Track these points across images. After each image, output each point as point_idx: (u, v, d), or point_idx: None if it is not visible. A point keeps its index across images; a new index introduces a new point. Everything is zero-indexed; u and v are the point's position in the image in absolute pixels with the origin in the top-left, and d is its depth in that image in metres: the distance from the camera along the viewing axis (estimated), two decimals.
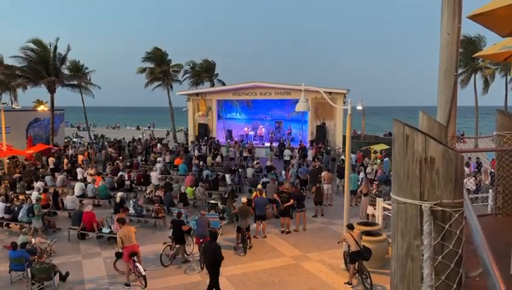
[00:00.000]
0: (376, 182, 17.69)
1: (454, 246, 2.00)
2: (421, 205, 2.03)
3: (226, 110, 36.52)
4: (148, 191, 17.43)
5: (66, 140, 38.22)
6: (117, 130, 69.90)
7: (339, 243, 11.30)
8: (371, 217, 14.29)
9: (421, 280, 2.03)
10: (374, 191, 14.93)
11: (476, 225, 2.11)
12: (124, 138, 39.57)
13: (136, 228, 14.46)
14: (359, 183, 17.33)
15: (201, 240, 11.43)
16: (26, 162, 24.56)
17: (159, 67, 42.35)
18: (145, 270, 10.29)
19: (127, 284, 10.22)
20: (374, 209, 14.24)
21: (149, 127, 71.27)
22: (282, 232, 14.24)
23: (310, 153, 26.64)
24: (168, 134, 43.21)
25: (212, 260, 9.26)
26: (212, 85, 43.61)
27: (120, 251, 10.64)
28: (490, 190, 12.38)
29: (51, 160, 24.70)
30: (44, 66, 29.60)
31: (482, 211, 12.32)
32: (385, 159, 22.94)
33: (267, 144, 31.82)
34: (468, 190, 15.16)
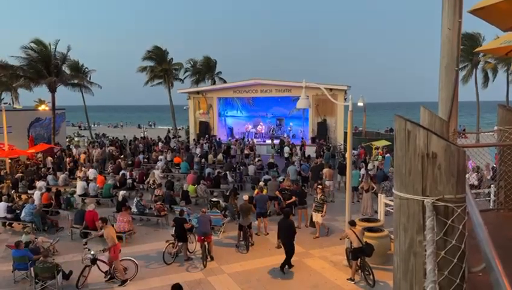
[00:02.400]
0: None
1: (457, 241, 2.00)
2: (423, 201, 2.03)
3: (226, 108, 36.53)
4: (151, 182, 17.92)
5: (67, 139, 38.28)
6: (120, 128, 69.88)
7: (341, 239, 11.32)
8: (317, 225, 13.38)
9: (424, 276, 2.02)
10: (319, 196, 13.28)
11: (479, 220, 2.11)
12: (124, 136, 39.59)
13: (138, 227, 14.61)
14: (360, 179, 17.32)
15: (202, 238, 11.45)
16: (28, 162, 24.62)
17: (160, 66, 42.31)
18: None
19: (125, 281, 10.31)
20: (322, 216, 13.21)
21: (150, 126, 71.35)
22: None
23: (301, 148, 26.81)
24: (168, 132, 43.27)
25: (287, 235, 10.87)
26: (214, 83, 43.58)
27: (95, 255, 10.16)
28: (492, 185, 12.37)
29: (49, 159, 24.73)
30: (45, 65, 29.62)
31: (484, 206, 12.33)
32: (386, 155, 22.94)
33: (268, 141, 31.84)
34: (471, 185, 15.12)
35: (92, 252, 10.29)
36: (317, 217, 13.35)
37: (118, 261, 10.34)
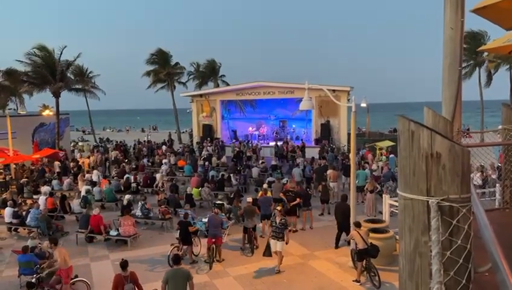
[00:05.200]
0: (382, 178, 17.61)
1: (463, 241, 1.99)
2: (428, 201, 2.02)
3: (230, 110, 36.57)
4: (160, 184, 18.13)
5: (72, 144, 38.40)
6: (125, 133, 69.87)
7: (346, 241, 11.29)
8: (279, 254, 11.01)
9: (429, 276, 2.02)
10: (279, 220, 11.01)
11: (484, 220, 2.10)
12: (124, 140, 39.63)
13: (143, 230, 14.62)
14: (365, 179, 17.29)
15: (213, 240, 11.43)
16: (33, 167, 24.71)
17: (164, 69, 42.42)
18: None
19: None
20: (286, 243, 11.01)
21: (154, 129, 71.43)
22: (289, 231, 14.20)
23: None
24: (170, 135, 43.48)
25: (345, 216, 12.11)
26: (217, 86, 43.66)
27: (39, 279, 9.22)
28: (497, 184, 12.31)
29: (57, 164, 24.85)
30: (50, 71, 29.77)
31: (489, 205, 12.27)
32: (391, 156, 22.88)
33: (272, 143, 31.84)
34: (474, 185, 15.01)
35: (36, 276, 9.15)
36: (276, 246, 10.99)
37: (68, 287, 9.57)
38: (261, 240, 13.37)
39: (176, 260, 8.36)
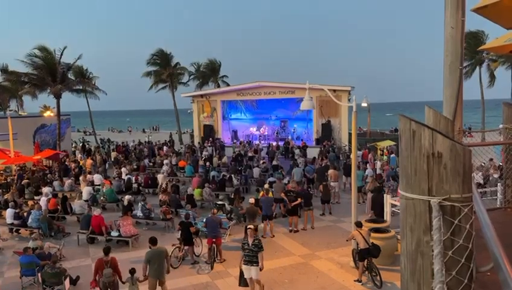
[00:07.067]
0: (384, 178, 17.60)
1: (465, 240, 1.98)
2: (429, 201, 2.02)
3: (230, 110, 36.59)
4: (164, 185, 18.33)
5: (73, 145, 38.46)
6: (127, 133, 69.85)
7: (347, 240, 11.29)
8: (252, 284, 9.29)
9: (431, 276, 2.01)
10: (251, 242, 9.04)
11: (486, 219, 2.10)
12: (126, 141, 39.69)
13: (145, 231, 14.63)
14: (363, 180, 17.29)
15: (213, 240, 11.42)
16: (34, 168, 24.74)
17: (165, 70, 42.40)
18: None
19: None
20: (261, 269, 9.08)
21: (156, 130, 71.48)
22: (290, 231, 14.24)
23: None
24: (171, 136, 43.51)
25: (381, 208, 13.06)
26: (218, 86, 43.69)
27: None
28: (499, 184, 12.29)
29: (55, 165, 24.91)
30: (50, 72, 29.77)
31: (491, 205, 12.25)
32: (392, 156, 22.87)
33: (274, 144, 31.86)
34: (476, 184, 15.02)
35: None
36: (250, 273, 9.12)
37: None
38: (263, 240, 13.30)
39: (154, 240, 9.27)
